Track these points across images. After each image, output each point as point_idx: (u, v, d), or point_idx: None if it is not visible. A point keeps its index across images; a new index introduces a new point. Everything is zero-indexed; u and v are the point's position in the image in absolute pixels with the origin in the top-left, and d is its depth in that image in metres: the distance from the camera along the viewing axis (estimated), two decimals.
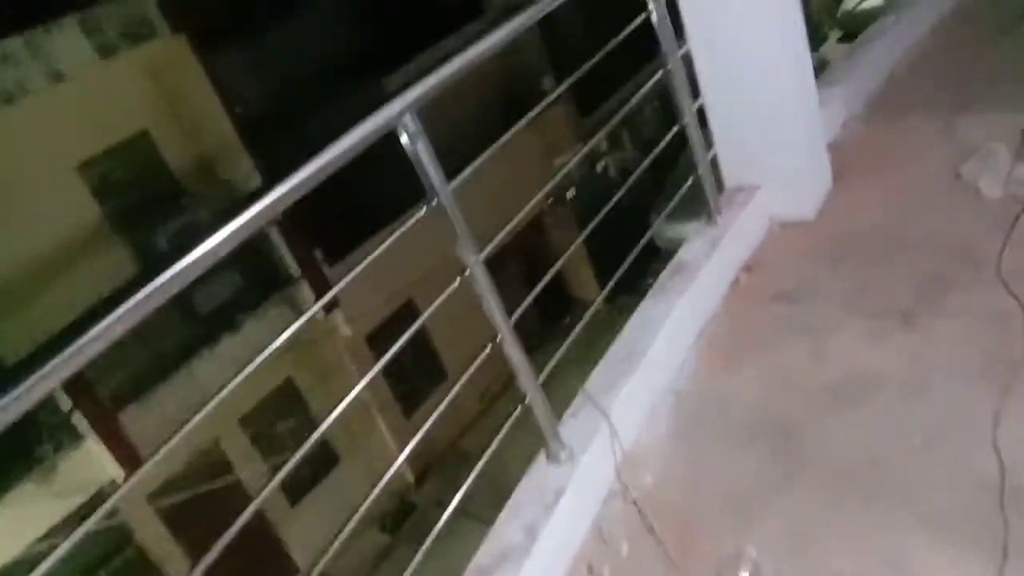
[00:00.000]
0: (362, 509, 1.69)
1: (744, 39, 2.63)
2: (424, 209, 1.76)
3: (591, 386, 2.22)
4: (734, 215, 2.79)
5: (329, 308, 10.73)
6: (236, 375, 1.42)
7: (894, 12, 3.89)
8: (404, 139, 1.67)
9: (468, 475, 1.91)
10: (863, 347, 2.22)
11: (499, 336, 1.87)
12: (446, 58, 1.74)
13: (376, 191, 8.43)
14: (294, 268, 10.69)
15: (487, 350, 1.92)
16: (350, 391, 1.75)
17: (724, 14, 2.61)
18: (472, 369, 1.91)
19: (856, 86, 3.55)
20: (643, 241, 2.71)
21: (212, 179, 10.09)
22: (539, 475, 2.00)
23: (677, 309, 2.44)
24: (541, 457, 2.04)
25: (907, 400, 2.01)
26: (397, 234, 1.74)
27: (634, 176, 2.61)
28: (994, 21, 3.86)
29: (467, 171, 1.86)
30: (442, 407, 1.92)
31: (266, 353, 1.49)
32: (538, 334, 12.44)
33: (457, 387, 1.95)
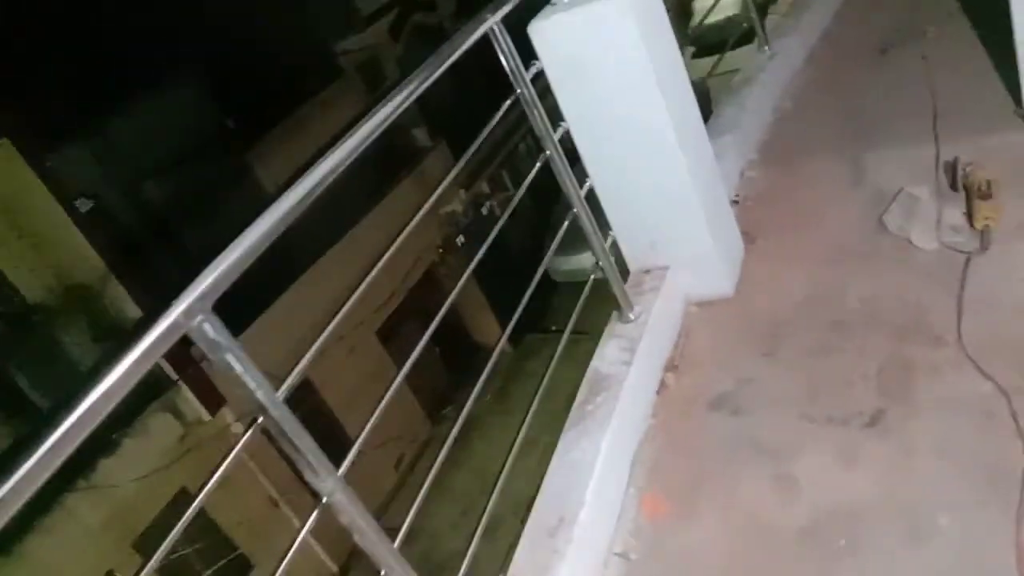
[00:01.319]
0: None
1: (624, 110, 2.26)
2: (251, 430, 1.25)
3: None
4: (647, 305, 2.40)
5: (215, 406, 9.86)
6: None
7: (767, 46, 3.65)
8: (203, 343, 1.16)
9: None
10: (835, 470, 1.83)
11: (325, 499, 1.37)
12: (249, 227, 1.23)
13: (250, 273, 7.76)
14: (169, 370, 9.77)
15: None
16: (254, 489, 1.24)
17: (597, 85, 2.24)
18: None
19: (746, 131, 3.26)
20: (535, 281, 2.23)
21: (63, 288, 9.10)
22: None
23: (605, 444, 2.00)
24: None
25: (904, 544, 1.62)
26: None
27: (501, 222, 2.16)
28: (866, 44, 3.68)
29: (293, 377, 1.35)
30: None
31: None
32: (448, 389, 11.95)
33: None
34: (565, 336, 2.28)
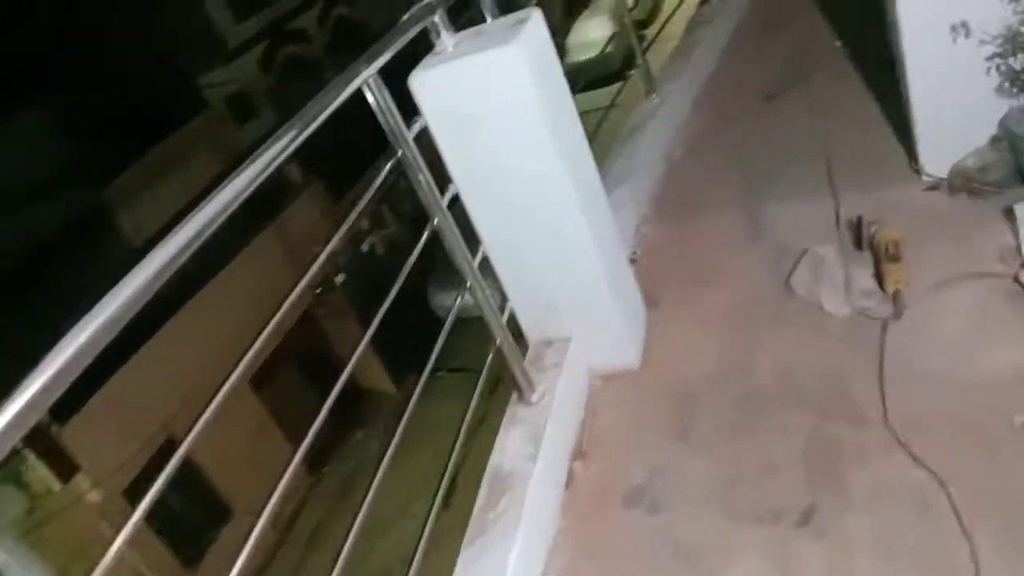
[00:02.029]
0: None
1: (518, 168, 2.03)
2: None
3: None
4: (550, 384, 2.15)
5: (67, 475, 8.93)
6: None
7: (654, 93, 3.54)
8: None
9: None
10: None
11: None
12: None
13: None
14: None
15: None
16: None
17: (488, 141, 2.00)
18: None
19: (638, 183, 3.11)
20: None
21: None
22: None
23: (512, 559, 1.72)
24: None
25: None
26: None
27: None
28: (752, 90, 3.64)
29: None
30: None
31: None
32: (331, 438, 11.34)
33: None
34: (423, 377, 1.96)
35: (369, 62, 1.69)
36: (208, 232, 1.20)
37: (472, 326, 2.06)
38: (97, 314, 1.01)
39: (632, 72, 3.47)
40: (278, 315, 1.53)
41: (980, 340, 1.97)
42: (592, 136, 3.08)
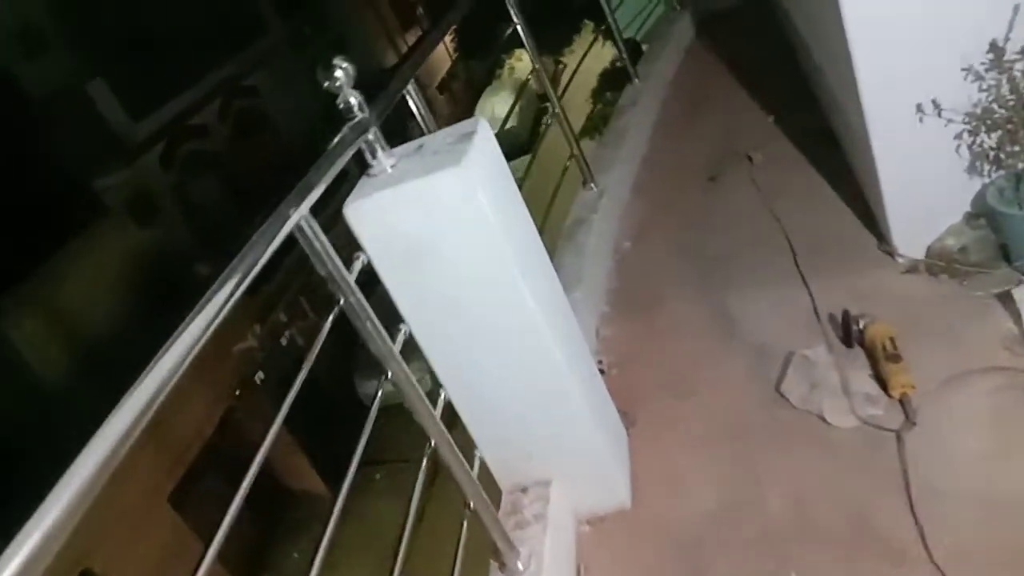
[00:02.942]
0: None
1: (478, 300, 1.75)
2: None
3: None
4: (535, 545, 1.84)
5: None
6: None
7: (592, 183, 3.35)
8: None
9: None
10: None
11: None
12: None
13: None
14: None
15: None
16: None
17: (442, 274, 1.72)
18: None
19: (591, 281, 2.88)
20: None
21: None
22: None
23: None
24: None
25: None
26: None
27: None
28: (691, 171, 3.51)
29: None
30: None
31: None
32: (259, 547, 10.51)
33: None
34: (348, 476, 1.62)
35: (299, 201, 1.40)
36: (157, 402, 1.01)
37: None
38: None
39: (568, 163, 3.28)
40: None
41: (1007, 448, 1.77)
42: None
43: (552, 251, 3.04)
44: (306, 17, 16.30)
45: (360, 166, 1.76)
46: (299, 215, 1.40)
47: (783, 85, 3.85)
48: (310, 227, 1.42)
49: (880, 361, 2.04)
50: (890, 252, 2.43)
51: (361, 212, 1.65)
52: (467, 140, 1.71)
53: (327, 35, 17.19)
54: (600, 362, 2.55)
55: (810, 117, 3.42)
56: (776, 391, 2.14)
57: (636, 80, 4.24)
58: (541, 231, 3.00)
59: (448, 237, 1.68)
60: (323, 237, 1.45)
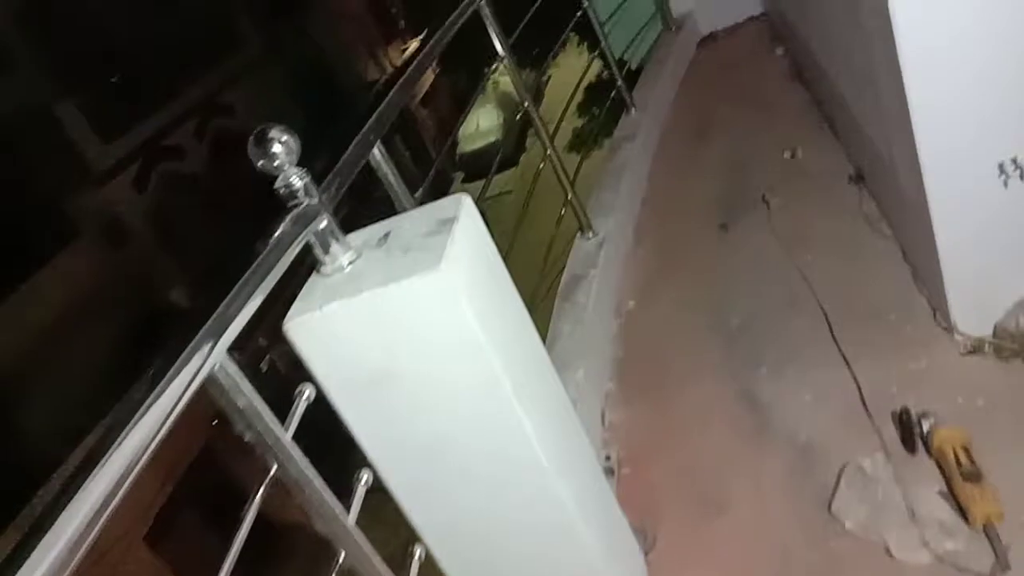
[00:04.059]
0: None
1: (465, 432, 1.37)
2: None
3: None
4: None
5: None
6: None
7: (590, 231, 2.97)
8: None
9: None
10: None
11: None
12: None
13: None
14: None
15: None
16: None
17: (416, 402, 1.34)
18: None
19: (594, 353, 2.51)
20: None
21: None
22: None
23: None
24: None
25: None
26: None
27: None
28: (699, 217, 3.14)
29: None
30: None
31: None
32: None
33: None
34: None
35: (214, 339, 1.02)
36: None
37: None
38: None
39: (563, 210, 2.91)
40: None
41: None
42: (530, 301, 2.47)
43: (548, 315, 2.67)
44: (286, 30, 15.91)
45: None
46: (215, 359, 1.02)
47: (795, 114, 3.50)
48: (228, 375, 1.04)
49: (955, 478, 1.67)
50: (947, 327, 2.07)
51: (308, 330, 1.26)
52: (446, 230, 1.33)
53: (308, 48, 16.82)
54: (608, 458, 2.17)
55: (831, 153, 3.07)
56: (827, 511, 1.77)
57: (633, 110, 3.88)
58: (534, 297, 2.63)
59: (424, 359, 1.29)
60: (247, 385, 1.06)
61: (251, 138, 1.28)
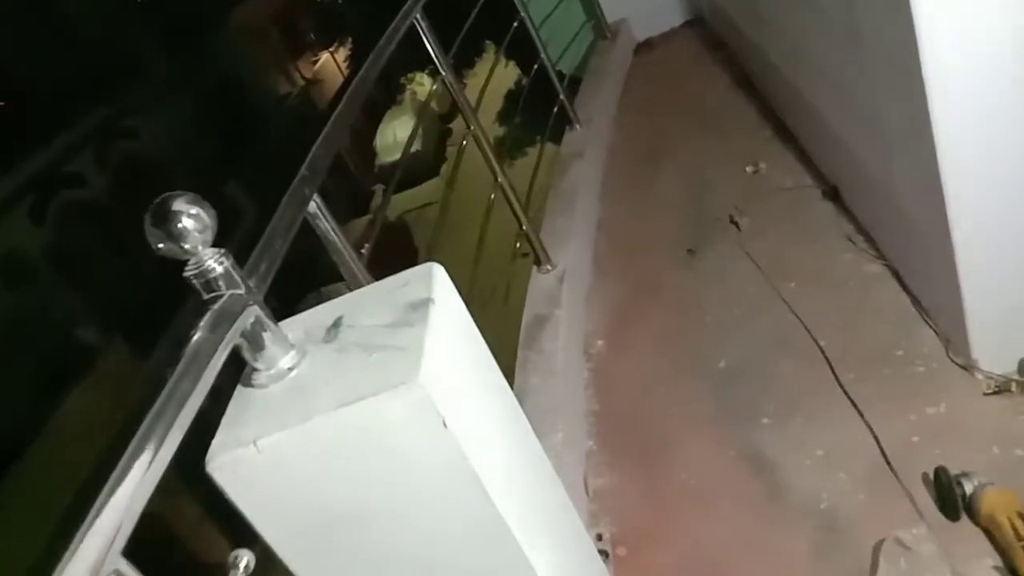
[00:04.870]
0: None
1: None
2: None
3: None
4: None
5: None
6: None
7: (548, 264, 2.69)
8: None
9: None
10: None
11: None
12: None
13: None
14: None
15: None
16: None
17: (376, 555, 1.01)
18: None
19: (566, 403, 2.21)
20: None
21: None
22: None
23: None
24: None
25: None
26: None
27: None
28: (663, 241, 2.89)
29: None
30: None
31: None
32: None
33: None
34: None
35: (105, 544, 0.67)
36: None
37: None
38: None
39: (519, 250, 2.62)
40: None
41: None
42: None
43: (509, 363, 2.37)
44: (189, 50, 15.20)
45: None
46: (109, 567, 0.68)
47: (749, 124, 3.31)
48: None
49: (1014, 550, 1.44)
50: (965, 364, 1.86)
51: (240, 471, 0.93)
52: (419, 319, 1.01)
53: (214, 68, 16.11)
54: (600, 537, 1.87)
55: (797, 167, 2.87)
56: None
57: (578, 126, 3.62)
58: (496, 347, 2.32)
59: (395, 496, 0.97)
60: None
61: (148, 215, 0.94)
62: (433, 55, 2.32)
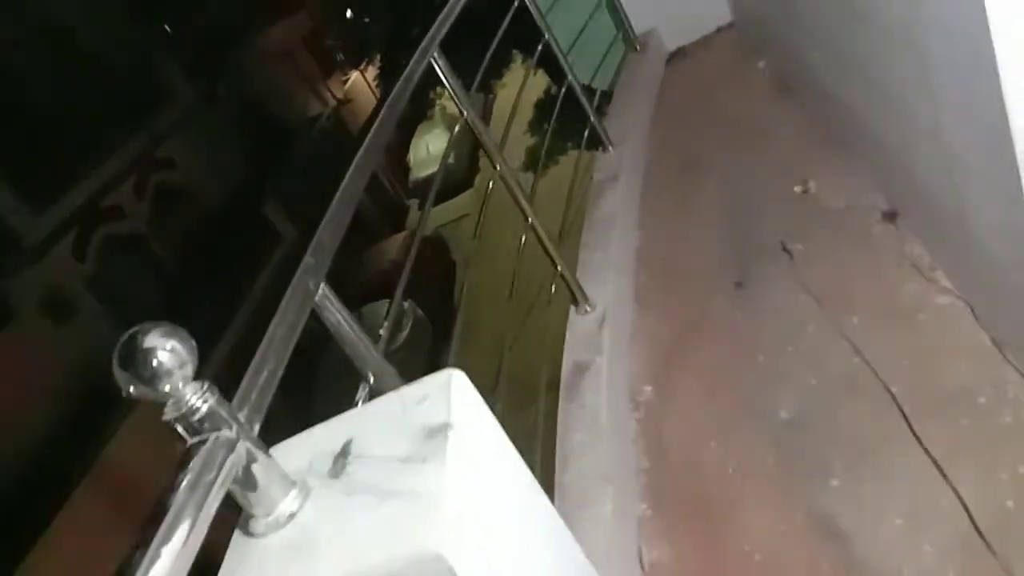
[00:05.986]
0: None
1: None
2: None
3: None
4: None
5: None
6: None
7: (587, 304, 2.53)
8: None
9: None
10: None
11: None
12: None
13: None
14: None
15: None
16: None
17: None
18: None
19: (620, 470, 2.05)
20: None
21: None
22: None
23: None
24: None
25: None
26: None
27: None
28: (707, 272, 2.71)
29: None
30: None
31: None
32: None
33: None
34: None
35: None
36: None
37: None
38: None
39: (553, 286, 2.47)
40: None
41: None
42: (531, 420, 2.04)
43: (550, 415, 2.22)
44: (218, 76, 15.36)
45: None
46: None
47: (794, 136, 3.10)
48: None
49: None
50: None
51: None
52: (436, 450, 0.87)
53: (245, 92, 16.25)
54: None
55: (851, 183, 2.67)
56: None
57: (611, 148, 3.45)
58: (532, 396, 2.18)
59: None
60: None
61: (115, 354, 0.81)
62: (452, 95, 2.19)
